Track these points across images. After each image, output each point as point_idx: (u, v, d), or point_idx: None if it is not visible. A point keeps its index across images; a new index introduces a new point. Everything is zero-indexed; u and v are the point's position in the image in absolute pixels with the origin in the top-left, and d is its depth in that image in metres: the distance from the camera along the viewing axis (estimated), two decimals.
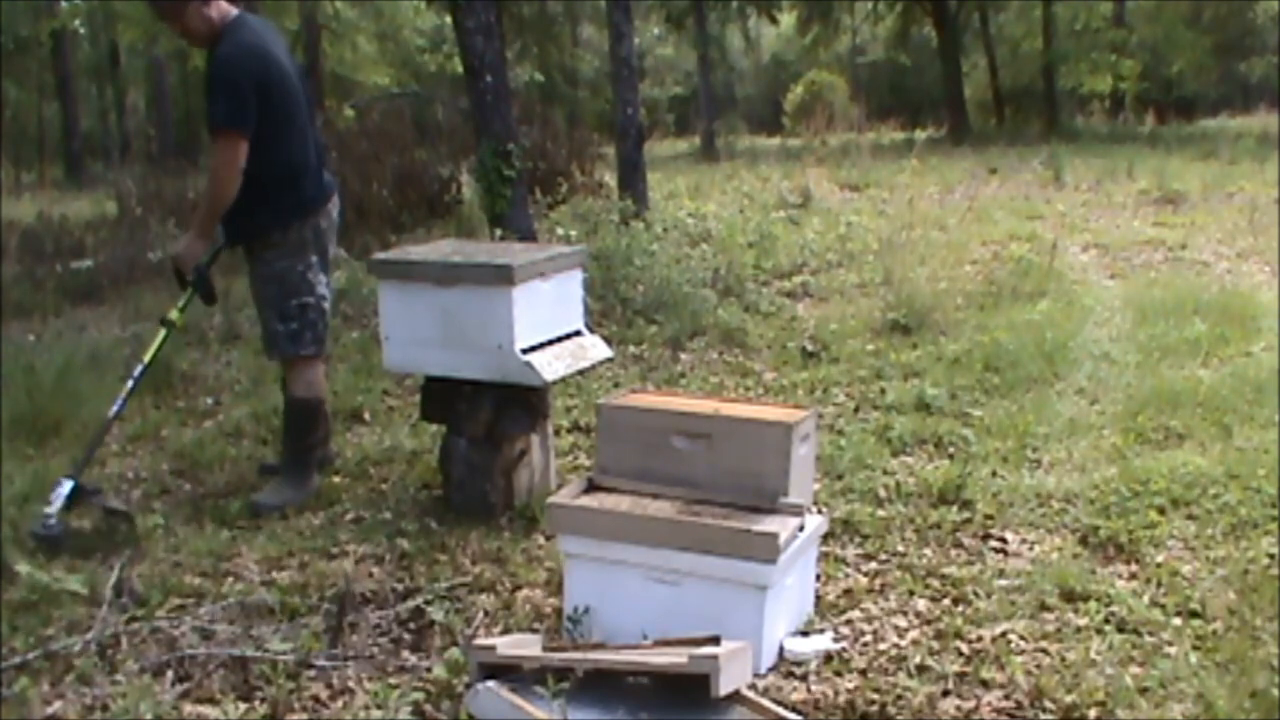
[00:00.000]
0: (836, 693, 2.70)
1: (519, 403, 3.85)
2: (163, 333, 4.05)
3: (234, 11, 3.97)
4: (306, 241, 4.02)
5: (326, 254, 4.13)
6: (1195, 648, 2.85)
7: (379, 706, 2.66)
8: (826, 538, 3.50)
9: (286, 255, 4.01)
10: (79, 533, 3.74)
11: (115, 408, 3.99)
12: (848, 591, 3.25)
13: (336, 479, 4.31)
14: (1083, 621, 3.01)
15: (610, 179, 10.69)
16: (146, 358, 4.07)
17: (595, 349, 4.00)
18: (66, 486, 3.72)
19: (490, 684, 2.55)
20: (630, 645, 2.72)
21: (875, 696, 2.67)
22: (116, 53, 27.97)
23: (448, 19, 14.78)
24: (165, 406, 5.38)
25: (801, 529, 2.91)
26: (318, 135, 4.21)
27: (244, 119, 3.81)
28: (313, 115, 4.16)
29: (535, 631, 2.99)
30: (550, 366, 3.71)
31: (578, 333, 3.97)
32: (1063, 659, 2.82)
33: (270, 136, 3.88)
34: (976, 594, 3.19)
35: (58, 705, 2.69)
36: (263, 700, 2.71)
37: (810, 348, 5.97)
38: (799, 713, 2.60)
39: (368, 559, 3.57)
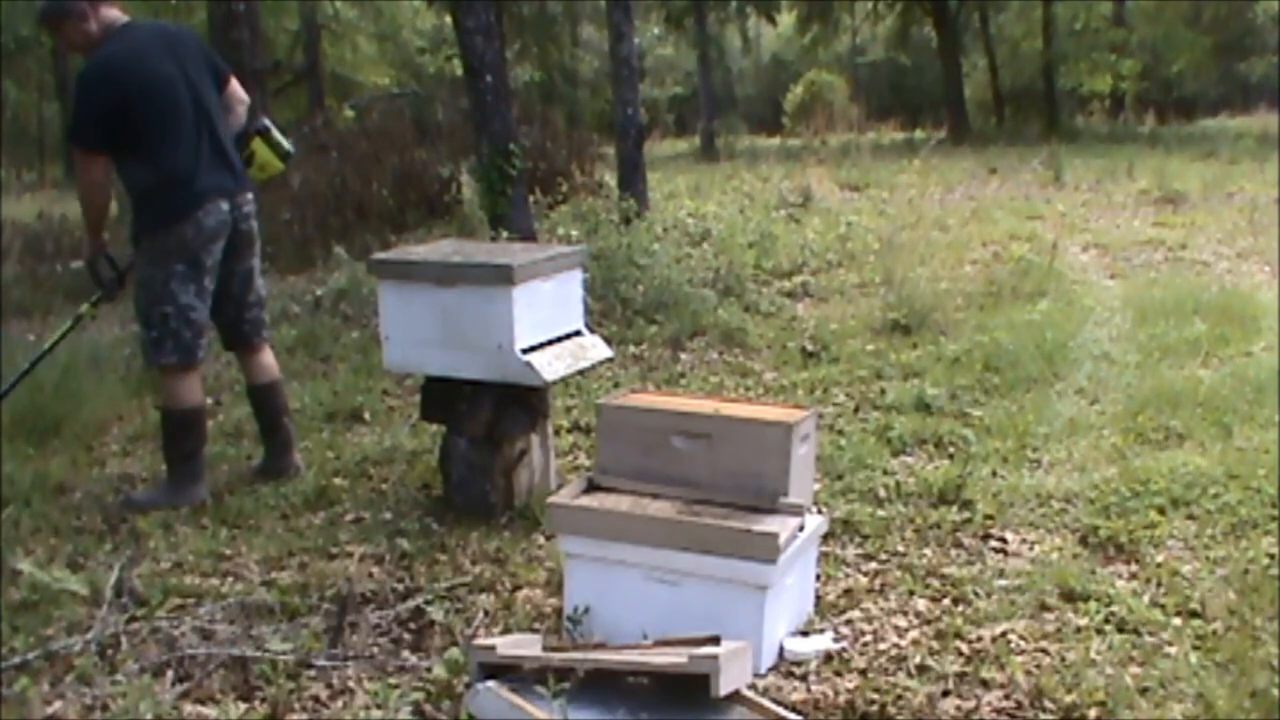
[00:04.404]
0: (836, 693, 2.70)
1: (519, 403, 3.85)
2: (68, 323, 4.27)
3: (120, 20, 3.90)
4: (169, 250, 3.94)
5: (200, 263, 3.97)
6: (1195, 648, 2.85)
7: (379, 706, 2.66)
8: (826, 538, 3.50)
9: (150, 263, 3.99)
10: None
11: (4, 387, 4.26)
12: (848, 591, 3.25)
13: (337, 479, 4.31)
14: (1083, 621, 3.01)
15: (610, 179, 10.69)
16: (47, 345, 4.30)
17: (595, 349, 4.00)
18: None
19: (490, 684, 2.55)
20: (630, 645, 2.72)
21: (875, 696, 2.67)
22: None
23: (448, 19, 14.79)
24: None
25: (801, 529, 2.91)
26: (218, 138, 4.03)
27: (91, 136, 3.82)
28: (207, 120, 3.98)
29: (535, 631, 2.99)
30: (550, 366, 3.71)
31: (578, 333, 3.97)
32: (1063, 659, 2.82)
33: (137, 147, 3.85)
34: (976, 594, 3.19)
35: (58, 705, 2.69)
36: (263, 700, 2.71)
37: (810, 348, 5.97)
38: (799, 713, 2.60)
39: (368, 559, 3.57)
